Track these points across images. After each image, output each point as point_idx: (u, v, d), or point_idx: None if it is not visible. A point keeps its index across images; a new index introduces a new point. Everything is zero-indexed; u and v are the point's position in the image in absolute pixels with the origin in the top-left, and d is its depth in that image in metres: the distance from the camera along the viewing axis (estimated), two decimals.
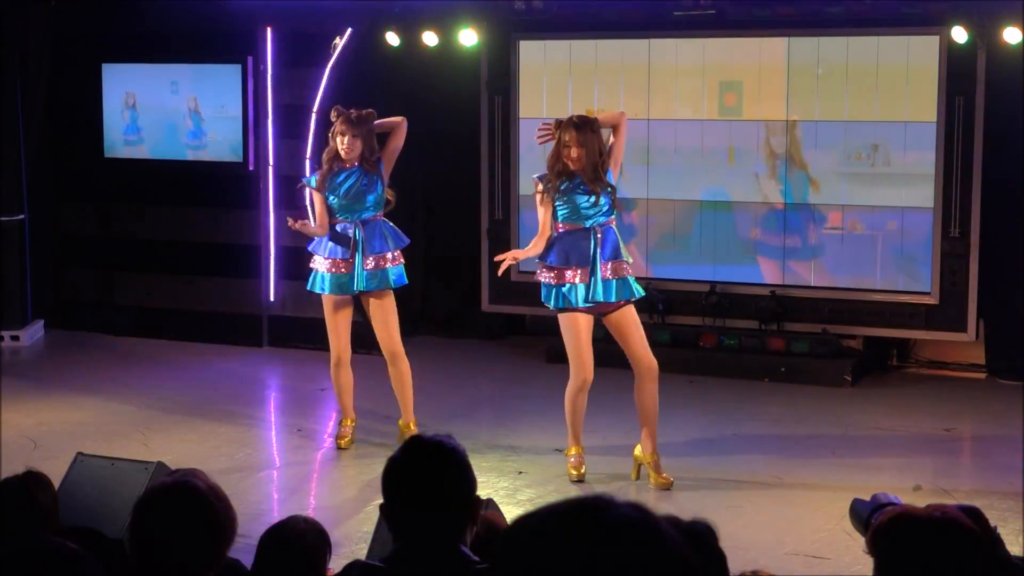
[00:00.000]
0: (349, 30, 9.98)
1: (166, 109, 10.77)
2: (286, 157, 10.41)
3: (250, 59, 10.39)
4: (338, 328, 7.63)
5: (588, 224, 6.85)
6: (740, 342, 9.57)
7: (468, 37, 9.82)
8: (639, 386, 6.94)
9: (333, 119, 7.56)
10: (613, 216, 6.94)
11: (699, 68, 9.83)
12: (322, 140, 10.28)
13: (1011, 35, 8.64)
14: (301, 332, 10.42)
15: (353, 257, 7.50)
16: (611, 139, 7.02)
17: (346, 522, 6.40)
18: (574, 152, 6.76)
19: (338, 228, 7.59)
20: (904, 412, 8.56)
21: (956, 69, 9.08)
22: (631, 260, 7.07)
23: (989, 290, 9.26)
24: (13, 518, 3.77)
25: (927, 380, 9.45)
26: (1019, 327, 9.15)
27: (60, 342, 10.84)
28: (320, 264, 7.63)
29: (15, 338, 10.65)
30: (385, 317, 7.56)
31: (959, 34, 8.81)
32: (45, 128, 10.96)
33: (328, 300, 7.62)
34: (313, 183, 7.65)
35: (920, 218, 9.36)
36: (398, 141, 7.67)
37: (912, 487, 6.76)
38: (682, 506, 6.56)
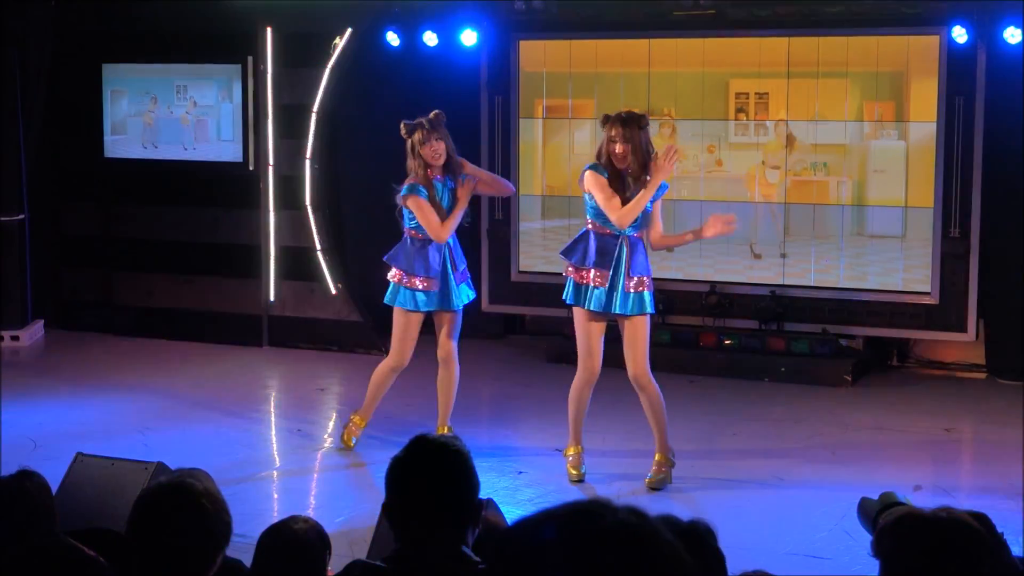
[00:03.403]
0: (349, 30, 9.99)
1: (166, 109, 10.77)
2: (286, 157, 10.40)
3: (250, 59, 10.39)
4: (408, 337, 7.40)
5: (618, 232, 6.75)
6: (740, 342, 9.57)
7: (468, 37, 9.83)
8: (641, 398, 6.94)
9: (406, 135, 7.18)
10: (642, 231, 6.83)
11: (699, 68, 9.83)
12: (322, 140, 10.31)
13: (1011, 35, 8.65)
14: (301, 332, 10.43)
15: (440, 276, 7.32)
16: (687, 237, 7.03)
17: (346, 522, 6.39)
18: (619, 148, 6.60)
19: (418, 244, 7.32)
20: (904, 412, 8.56)
21: (956, 69, 9.09)
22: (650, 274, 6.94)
23: (989, 290, 9.26)
24: (9, 517, 3.76)
25: (927, 380, 9.45)
26: (1019, 327, 9.15)
27: (60, 342, 10.84)
28: (409, 281, 7.32)
29: (15, 338, 10.64)
30: (450, 323, 7.46)
31: (959, 34, 8.82)
32: (45, 128, 10.95)
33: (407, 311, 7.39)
34: (424, 194, 7.17)
35: (920, 218, 9.36)
36: (488, 191, 7.69)
37: (912, 487, 6.76)
38: (682, 506, 6.56)
